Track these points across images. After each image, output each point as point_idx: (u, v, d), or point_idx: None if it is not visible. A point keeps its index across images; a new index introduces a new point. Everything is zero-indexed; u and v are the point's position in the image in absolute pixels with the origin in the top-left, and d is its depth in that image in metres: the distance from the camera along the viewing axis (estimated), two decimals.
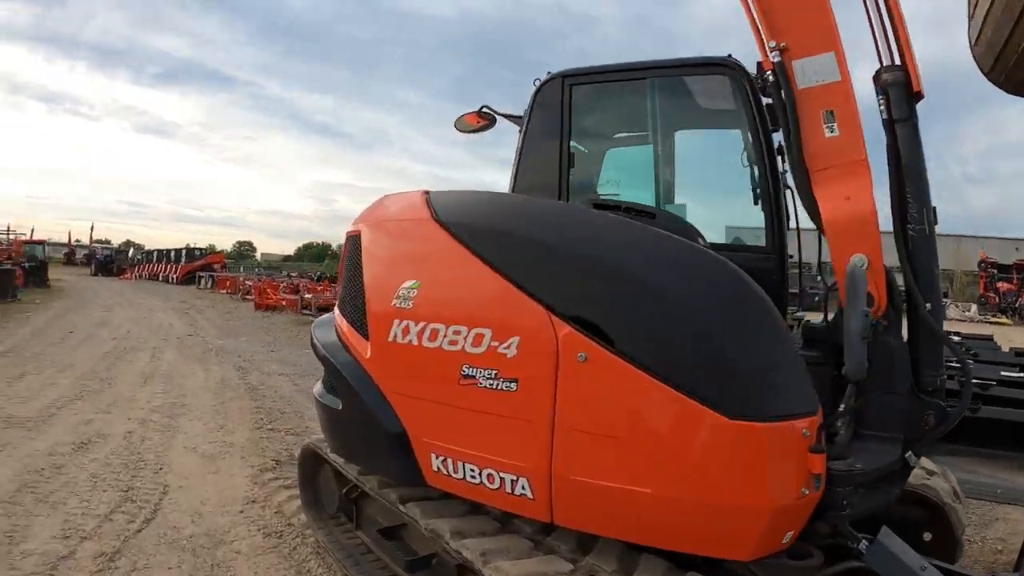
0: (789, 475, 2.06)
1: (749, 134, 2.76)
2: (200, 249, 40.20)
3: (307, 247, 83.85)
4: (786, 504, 2.06)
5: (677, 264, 2.26)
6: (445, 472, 2.48)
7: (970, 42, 2.61)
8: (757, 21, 2.44)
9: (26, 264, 23.15)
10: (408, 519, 2.69)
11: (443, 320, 2.44)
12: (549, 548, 2.42)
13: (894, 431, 2.34)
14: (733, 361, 2.10)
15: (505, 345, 2.30)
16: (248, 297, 22.09)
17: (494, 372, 2.31)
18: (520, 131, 3.13)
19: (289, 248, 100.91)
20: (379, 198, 3.09)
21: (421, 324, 2.49)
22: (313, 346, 3.19)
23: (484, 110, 3.42)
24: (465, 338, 2.38)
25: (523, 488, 2.29)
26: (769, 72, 2.43)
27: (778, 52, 2.39)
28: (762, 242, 2.76)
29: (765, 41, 2.42)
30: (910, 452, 2.33)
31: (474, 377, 2.35)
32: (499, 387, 2.30)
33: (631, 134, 3.51)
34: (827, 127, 2.36)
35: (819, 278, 2.70)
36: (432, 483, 2.55)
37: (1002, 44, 2.35)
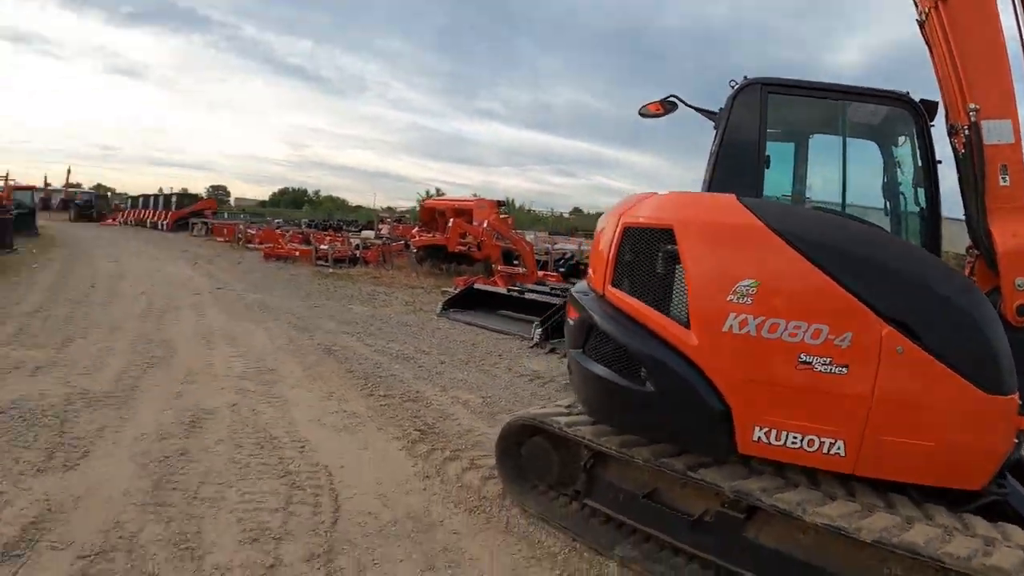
0: (1011, 430, 3.03)
1: (919, 160, 3.47)
2: (191, 195, 36.21)
3: (283, 192, 79.04)
4: (1006, 449, 3.06)
5: (952, 277, 3.01)
6: (766, 441, 2.98)
7: None
8: (961, 84, 3.14)
9: (15, 212, 19.24)
10: (704, 484, 3.09)
11: (783, 316, 2.90)
12: (831, 494, 3.10)
13: None
14: (991, 351, 2.97)
15: (840, 339, 2.86)
16: (251, 246, 20.59)
17: (829, 360, 2.87)
18: (716, 129, 3.54)
19: (263, 193, 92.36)
20: (665, 194, 3.28)
21: (760, 318, 2.92)
22: (600, 329, 3.22)
23: (670, 99, 3.76)
24: (804, 332, 2.88)
25: (838, 449, 2.92)
26: (965, 126, 3.13)
27: (975, 112, 3.09)
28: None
29: (966, 102, 3.12)
30: None
31: (810, 363, 2.88)
32: (832, 371, 2.86)
33: (812, 142, 4.09)
34: (1002, 178, 3.13)
35: None
36: (747, 451, 3.02)
37: None
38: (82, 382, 5.39)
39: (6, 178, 35.07)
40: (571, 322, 3.48)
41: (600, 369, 3.23)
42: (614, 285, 3.25)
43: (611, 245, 3.28)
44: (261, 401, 5.26)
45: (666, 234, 3.13)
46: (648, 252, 3.20)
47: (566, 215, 56.24)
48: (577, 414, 3.52)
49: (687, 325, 3.03)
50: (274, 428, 4.61)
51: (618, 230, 3.26)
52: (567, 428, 3.44)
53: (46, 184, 46.34)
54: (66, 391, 5.12)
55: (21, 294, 9.93)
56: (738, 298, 2.94)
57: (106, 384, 5.39)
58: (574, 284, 10.46)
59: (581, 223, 43.65)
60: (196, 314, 9.13)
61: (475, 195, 17.35)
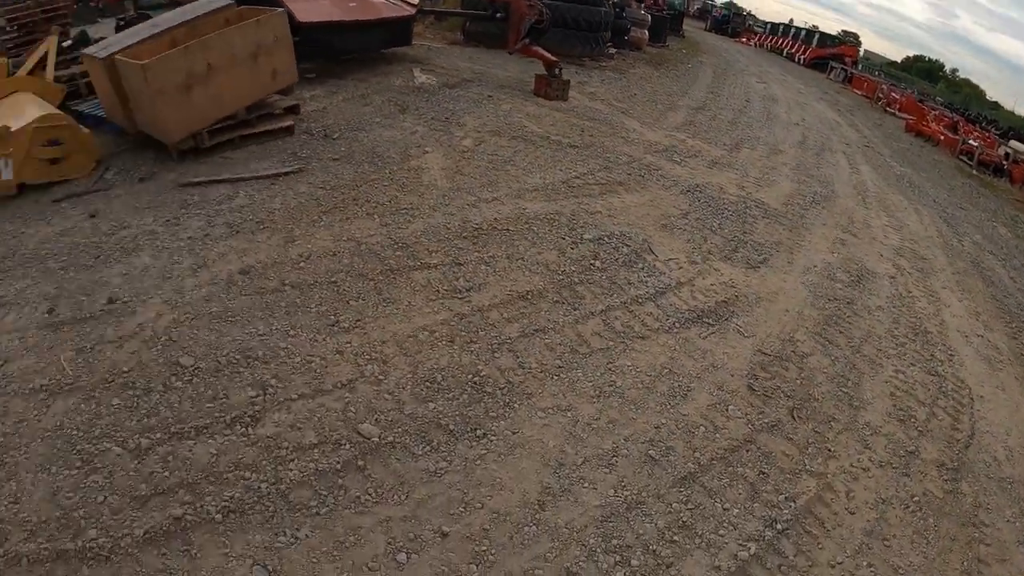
0: None
1: None
2: (832, 35, 35.30)
3: (916, 59, 69.36)
4: None
5: None
6: None
7: None
8: None
9: (668, 13, 23.91)
10: None
11: None
12: None
13: None
14: None
15: None
16: (889, 110, 20.03)
17: None
18: None
19: (895, 53, 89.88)
20: None
21: None
22: None
23: None
24: None
25: None
26: None
27: None
28: None
29: None
30: None
31: None
32: None
33: None
34: None
35: None
36: None
37: None
38: (755, 192, 6.22)
39: None
40: None
41: None
42: None
43: None
44: (916, 286, 5.32)
45: None
46: None
47: None
48: None
49: None
50: (927, 321, 4.69)
51: None
52: None
53: None
54: (741, 194, 6.01)
55: (683, 87, 11.27)
56: None
57: (777, 202, 6.15)
58: None
59: None
60: (849, 164, 9.22)
61: None
